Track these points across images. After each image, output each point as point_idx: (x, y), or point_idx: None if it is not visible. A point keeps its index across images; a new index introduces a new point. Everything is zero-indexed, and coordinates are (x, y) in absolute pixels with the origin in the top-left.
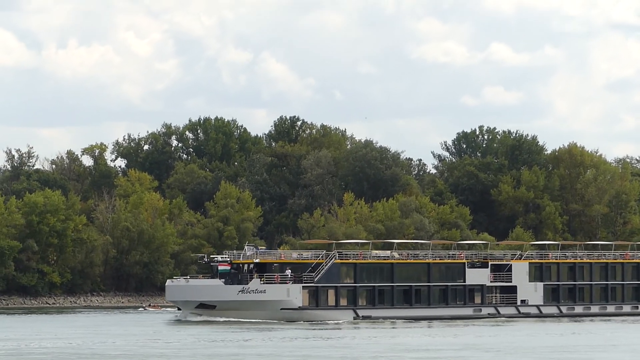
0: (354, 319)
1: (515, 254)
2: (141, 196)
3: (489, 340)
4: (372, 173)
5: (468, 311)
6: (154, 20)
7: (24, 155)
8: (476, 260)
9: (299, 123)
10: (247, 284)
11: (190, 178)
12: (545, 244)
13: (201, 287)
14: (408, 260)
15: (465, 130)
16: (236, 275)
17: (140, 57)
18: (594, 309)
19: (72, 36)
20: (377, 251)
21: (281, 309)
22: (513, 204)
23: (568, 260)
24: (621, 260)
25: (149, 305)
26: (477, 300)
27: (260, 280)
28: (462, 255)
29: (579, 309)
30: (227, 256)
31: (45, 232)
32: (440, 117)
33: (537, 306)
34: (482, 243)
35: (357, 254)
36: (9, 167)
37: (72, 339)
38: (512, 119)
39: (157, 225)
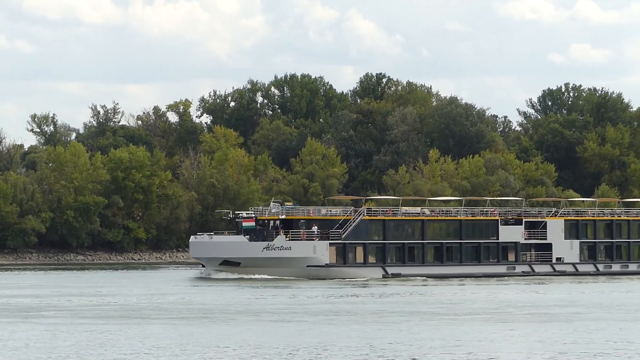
0: (383, 276)
1: (551, 211)
2: (226, 152)
3: (582, 297)
4: (457, 130)
5: (501, 269)
6: None
7: (110, 111)
8: (510, 217)
9: (384, 80)
10: (272, 240)
11: (275, 134)
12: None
13: (225, 244)
14: (439, 217)
15: (550, 88)
16: (261, 232)
17: (227, 14)
18: (632, 267)
19: None
20: (406, 207)
21: (307, 266)
22: (598, 161)
23: (605, 218)
24: None
25: None
26: (511, 257)
27: (286, 237)
28: (495, 212)
29: (616, 267)
30: (252, 212)
31: (130, 188)
32: (525, 74)
33: (573, 264)
34: (517, 200)
35: (386, 210)
36: (94, 123)
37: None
38: (598, 76)
39: (243, 181)
